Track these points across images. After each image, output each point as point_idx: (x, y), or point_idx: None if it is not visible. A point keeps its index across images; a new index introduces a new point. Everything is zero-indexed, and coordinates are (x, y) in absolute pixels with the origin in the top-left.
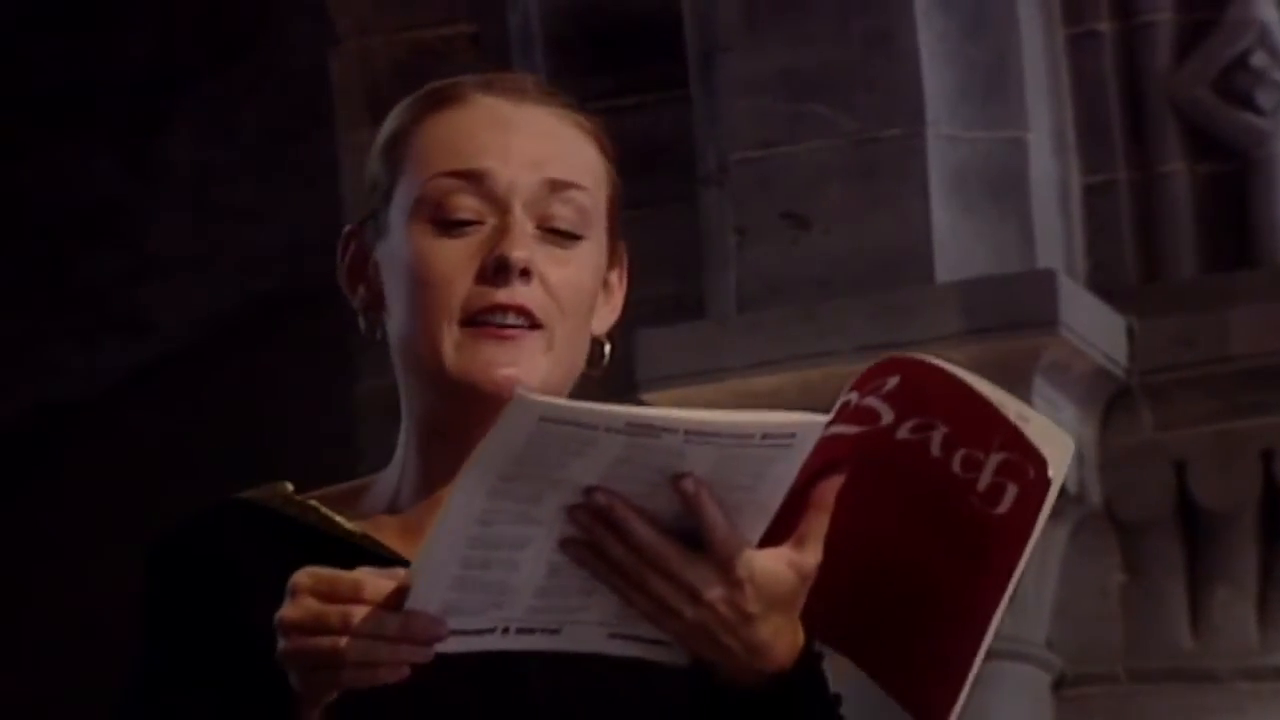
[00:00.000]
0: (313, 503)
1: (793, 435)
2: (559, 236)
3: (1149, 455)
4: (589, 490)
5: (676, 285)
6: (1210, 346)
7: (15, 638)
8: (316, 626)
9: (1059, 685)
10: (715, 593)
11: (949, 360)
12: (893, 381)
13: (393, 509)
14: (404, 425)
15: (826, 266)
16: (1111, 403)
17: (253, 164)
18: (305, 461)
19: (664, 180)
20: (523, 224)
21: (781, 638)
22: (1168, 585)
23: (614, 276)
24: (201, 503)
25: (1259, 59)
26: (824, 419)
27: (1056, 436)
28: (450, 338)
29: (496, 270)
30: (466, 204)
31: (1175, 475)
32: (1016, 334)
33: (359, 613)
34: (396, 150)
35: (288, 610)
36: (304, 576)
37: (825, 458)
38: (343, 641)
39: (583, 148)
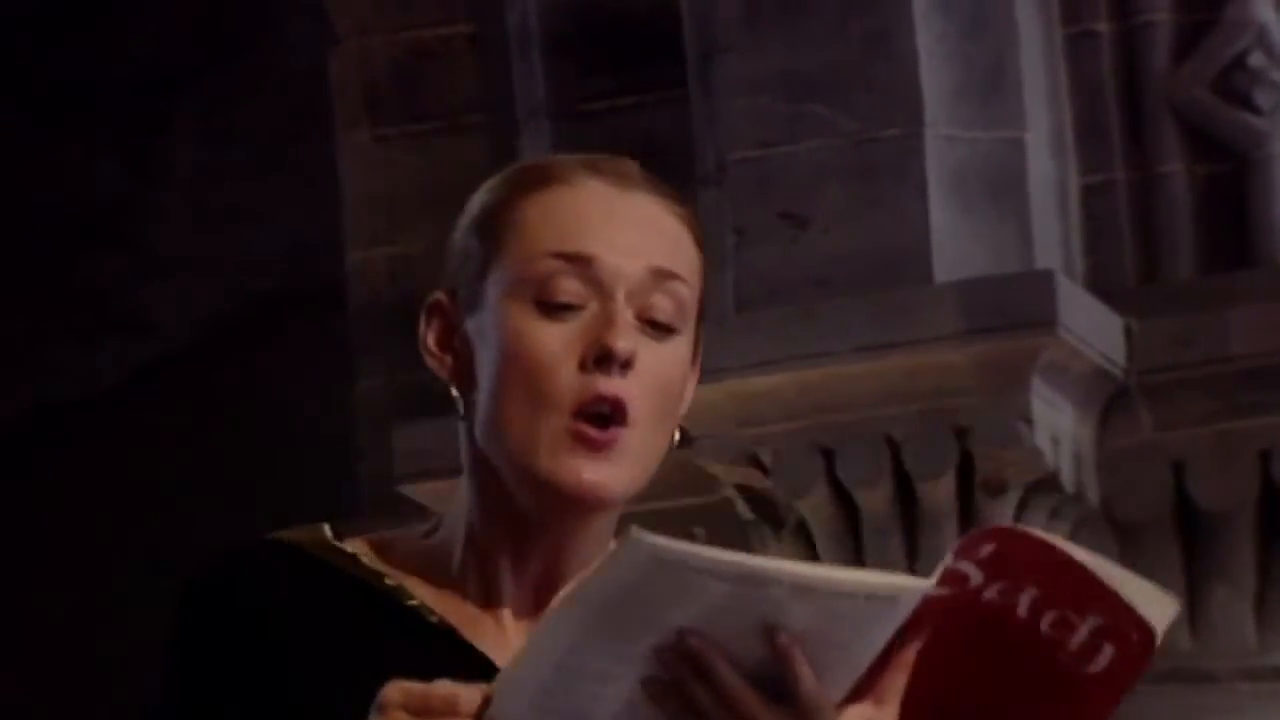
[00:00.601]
0: (357, 553)
1: (895, 599)
2: (655, 329)
3: (1147, 455)
4: (681, 632)
5: None
6: (1209, 347)
7: (14, 637)
8: None
9: None
10: None
11: (948, 360)
12: (987, 549)
13: (443, 570)
14: (470, 495)
15: (825, 266)
16: (1110, 403)
17: (252, 164)
18: (304, 462)
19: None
20: (625, 313)
21: None
22: (1166, 585)
23: (692, 369)
24: (200, 503)
25: (1257, 59)
26: (928, 584)
27: (1156, 598)
28: (547, 436)
29: (599, 360)
30: (570, 288)
31: (1173, 475)
32: (1015, 334)
33: None
34: (495, 223)
35: None
36: (395, 692)
37: (911, 618)
38: None
39: (683, 239)
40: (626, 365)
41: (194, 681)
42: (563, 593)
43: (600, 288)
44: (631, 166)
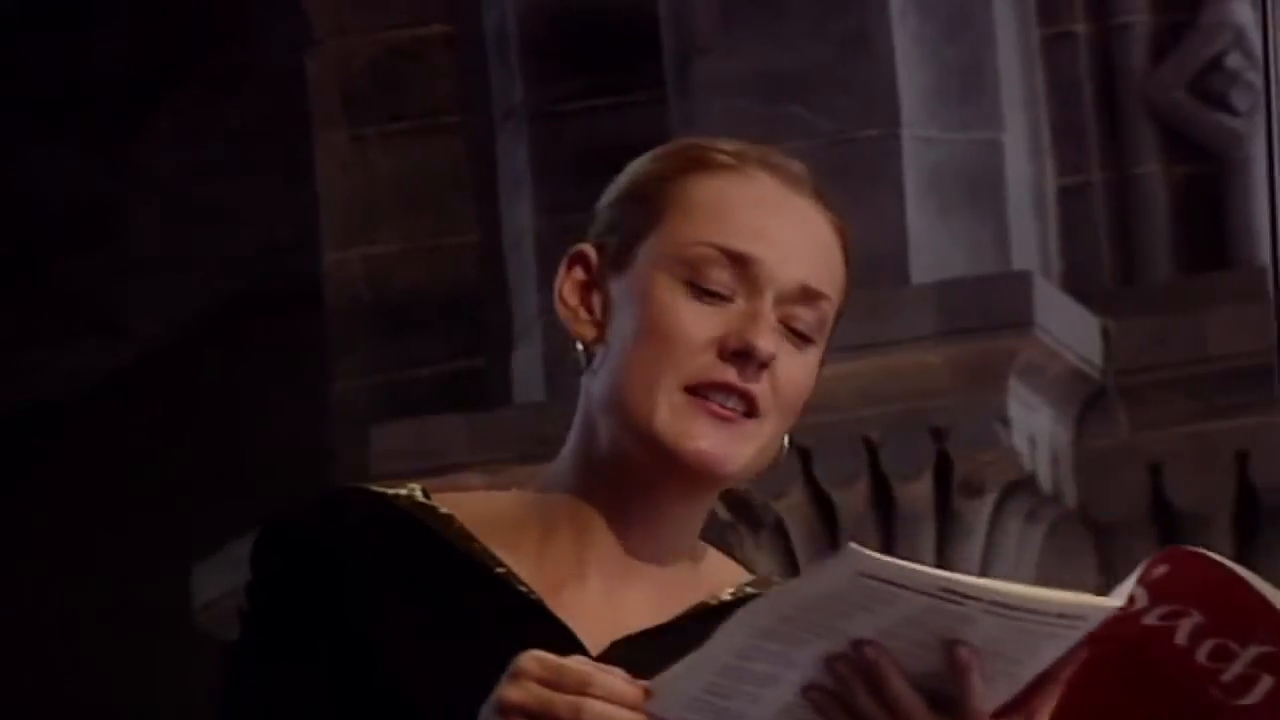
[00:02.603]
0: (448, 512)
1: (1085, 618)
2: (796, 336)
3: (1124, 456)
4: (858, 643)
5: None
6: (1186, 348)
7: None
8: (543, 713)
9: None
10: None
11: (925, 360)
12: (1160, 570)
13: (533, 532)
14: (573, 456)
15: None
16: (1087, 404)
17: (230, 164)
18: (282, 461)
19: None
20: (770, 314)
21: None
22: None
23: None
24: (178, 501)
25: (1234, 60)
26: (1116, 604)
27: None
28: (669, 400)
29: (739, 354)
30: (724, 279)
31: (1150, 476)
32: (992, 335)
33: (590, 706)
34: (659, 195)
35: (512, 692)
36: (530, 662)
37: None
38: None
39: (835, 257)
40: (764, 365)
41: (269, 623)
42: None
43: (753, 286)
44: (800, 168)
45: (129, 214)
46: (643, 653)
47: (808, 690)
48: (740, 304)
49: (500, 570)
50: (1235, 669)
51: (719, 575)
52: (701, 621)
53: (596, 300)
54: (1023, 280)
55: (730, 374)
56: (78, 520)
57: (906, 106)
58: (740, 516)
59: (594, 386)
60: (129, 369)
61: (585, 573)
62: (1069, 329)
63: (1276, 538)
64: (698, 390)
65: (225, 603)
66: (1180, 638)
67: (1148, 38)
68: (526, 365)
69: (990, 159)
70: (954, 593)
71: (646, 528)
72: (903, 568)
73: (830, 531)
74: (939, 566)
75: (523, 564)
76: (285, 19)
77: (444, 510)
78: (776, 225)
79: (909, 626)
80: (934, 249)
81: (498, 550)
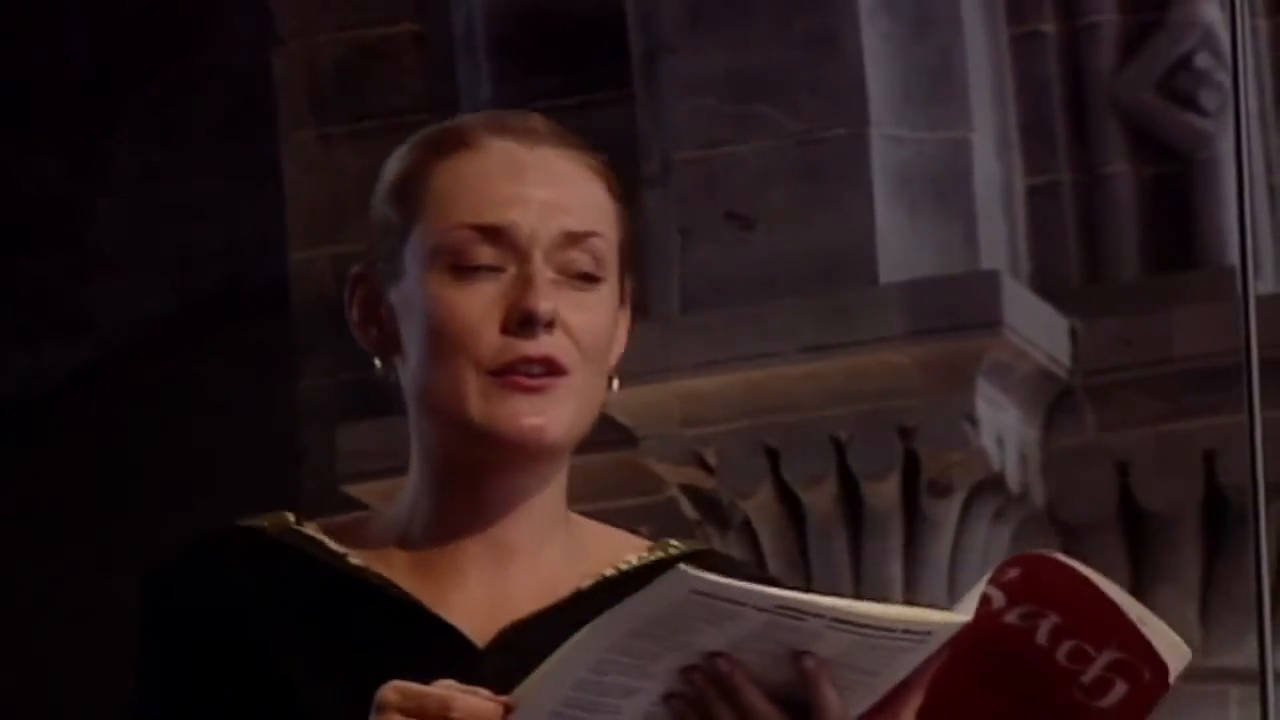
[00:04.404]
0: (320, 536)
1: (930, 634)
2: (578, 281)
3: (1091, 456)
4: (711, 655)
5: None
6: (1153, 348)
7: None
8: None
9: None
10: None
11: (893, 360)
12: (1014, 573)
13: (402, 544)
14: (416, 464)
15: (770, 267)
16: (1054, 404)
17: (196, 163)
18: (247, 462)
19: None
20: (543, 273)
21: None
22: None
23: (622, 313)
24: (143, 502)
25: (1203, 60)
26: (963, 619)
27: (1174, 644)
28: (476, 387)
29: (521, 323)
30: (486, 252)
31: (1118, 476)
32: (960, 335)
33: None
34: (409, 194)
35: None
36: (391, 693)
37: None
38: None
39: (595, 192)
40: (550, 325)
41: (163, 669)
42: (521, 552)
43: (518, 252)
44: (538, 122)
45: (94, 213)
46: (534, 636)
47: (669, 699)
48: (512, 271)
49: (377, 581)
50: (1093, 671)
51: (611, 546)
52: (606, 594)
53: (384, 312)
54: (991, 280)
55: (524, 347)
56: (42, 520)
57: (875, 106)
58: (708, 516)
59: (408, 397)
60: (94, 368)
61: (464, 573)
62: (1037, 329)
63: (1245, 538)
64: (500, 372)
65: None
66: (1040, 637)
67: (1116, 37)
68: None
69: (958, 158)
70: (792, 610)
71: (506, 515)
72: (736, 587)
73: (798, 531)
74: (907, 566)
75: (399, 578)
76: (252, 17)
77: (313, 534)
78: (523, 186)
79: (756, 640)
80: (902, 248)
81: (369, 562)
